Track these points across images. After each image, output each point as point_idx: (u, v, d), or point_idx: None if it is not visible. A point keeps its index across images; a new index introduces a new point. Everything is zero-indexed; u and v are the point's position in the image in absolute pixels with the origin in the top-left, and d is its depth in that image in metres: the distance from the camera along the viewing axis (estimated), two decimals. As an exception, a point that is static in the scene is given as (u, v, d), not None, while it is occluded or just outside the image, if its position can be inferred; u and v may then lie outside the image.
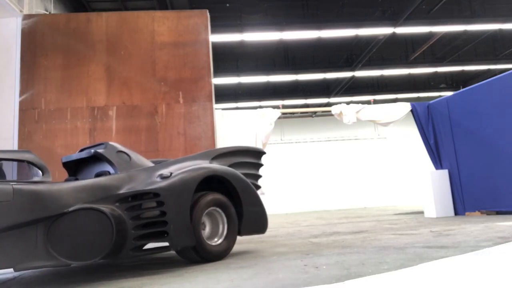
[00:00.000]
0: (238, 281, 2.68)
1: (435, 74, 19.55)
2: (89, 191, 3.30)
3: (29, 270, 2.98)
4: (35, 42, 7.81)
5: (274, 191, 20.27)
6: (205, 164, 4.04)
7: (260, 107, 11.66)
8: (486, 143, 7.92)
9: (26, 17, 7.87)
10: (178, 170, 3.73)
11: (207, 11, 8.50)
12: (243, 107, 19.00)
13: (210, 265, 3.54)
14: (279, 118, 9.38)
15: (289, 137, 23.14)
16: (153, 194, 3.40)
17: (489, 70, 18.66)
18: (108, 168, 3.90)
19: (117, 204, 3.34)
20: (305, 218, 12.23)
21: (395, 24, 12.39)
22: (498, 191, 7.66)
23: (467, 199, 8.39)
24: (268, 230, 8.03)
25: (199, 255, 3.58)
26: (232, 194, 4.06)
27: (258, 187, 4.75)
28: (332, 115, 9.85)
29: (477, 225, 5.68)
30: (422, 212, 10.39)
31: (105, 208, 3.20)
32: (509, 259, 2.72)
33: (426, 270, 2.58)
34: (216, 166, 3.97)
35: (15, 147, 7.21)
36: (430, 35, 14.30)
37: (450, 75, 20.35)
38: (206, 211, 3.72)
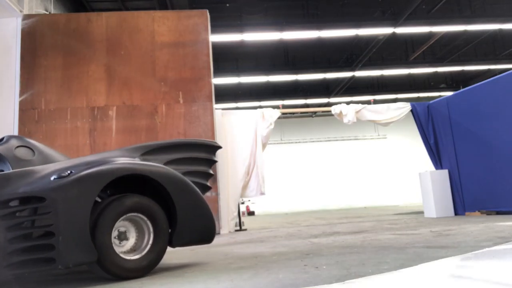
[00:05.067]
0: (238, 281, 2.68)
1: (435, 74, 19.55)
2: None
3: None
4: (35, 42, 7.81)
5: (274, 191, 20.28)
6: (125, 160, 3.32)
7: (260, 107, 11.65)
8: (486, 143, 7.92)
9: (26, 17, 7.87)
10: (83, 167, 3.03)
11: (207, 11, 8.50)
12: (243, 107, 19.00)
13: (210, 265, 3.54)
14: (279, 118, 9.38)
15: (289, 137, 23.14)
16: (37, 198, 2.78)
17: (489, 70, 18.66)
18: (4, 166, 3.37)
19: None
20: (305, 218, 12.24)
21: (395, 24, 12.39)
22: (498, 191, 7.66)
23: (467, 199, 8.39)
24: (268, 230, 8.02)
25: (107, 271, 2.94)
26: (165, 197, 3.41)
27: (208, 187, 4.08)
28: (332, 115, 9.85)
29: (477, 225, 5.68)
30: (422, 212, 10.39)
31: None
32: (509, 259, 2.72)
33: (426, 270, 2.58)
34: (138, 162, 3.29)
35: (15, 147, 7.19)
36: (430, 35, 14.30)
37: (450, 75, 20.35)
38: (124, 217, 3.09)
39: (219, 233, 7.74)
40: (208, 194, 7.76)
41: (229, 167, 8.56)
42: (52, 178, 2.87)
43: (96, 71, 7.88)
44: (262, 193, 8.73)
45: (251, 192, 8.70)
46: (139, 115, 7.82)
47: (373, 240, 4.65)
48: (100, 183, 2.94)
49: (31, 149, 3.52)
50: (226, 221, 8.22)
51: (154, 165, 3.35)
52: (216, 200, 7.80)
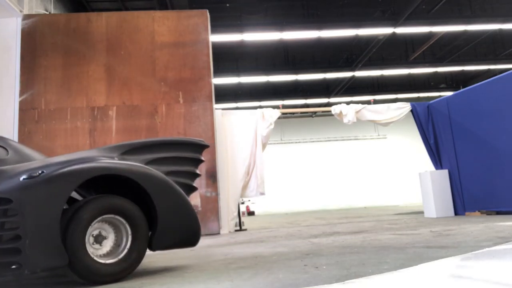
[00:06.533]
0: (238, 281, 2.68)
1: (435, 74, 19.55)
2: None
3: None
4: (35, 42, 7.81)
5: (274, 191, 20.28)
6: (102, 159, 3.17)
7: (260, 107, 11.65)
8: (486, 143, 7.92)
9: (26, 17, 7.87)
10: (55, 167, 2.87)
11: (207, 11, 8.50)
12: (243, 107, 19.00)
13: (210, 265, 3.54)
14: (279, 118, 9.38)
15: (289, 137, 23.14)
16: (5, 200, 2.65)
17: (489, 70, 18.66)
18: None
19: None
20: (305, 218, 12.24)
21: (395, 24, 12.39)
22: (498, 191, 7.66)
23: (467, 199, 8.39)
24: (268, 230, 8.02)
25: (80, 276, 2.82)
26: (146, 198, 3.27)
27: (194, 188, 3.87)
28: (332, 115, 9.85)
29: (477, 225, 5.68)
30: (422, 212, 10.39)
31: None
32: (509, 259, 2.72)
33: (426, 270, 2.58)
34: (114, 162, 3.14)
35: (15, 147, 7.19)
36: (430, 35, 14.30)
37: (450, 75, 20.35)
38: (100, 219, 2.97)
39: (219, 233, 7.74)
40: (208, 194, 7.76)
41: (229, 167, 8.56)
42: (21, 178, 2.76)
43: (96, 71, 7.88)
44: (262, 193, 8.73)
45: (251, 192, 8.71)
46: (139, 115, 7.82)
47: (373, 240, 4.65)
48: (72, 183, 2.81)
49: (4, 148, 3.39)
50: (226, 221, 8.23)
51: (132, 164, 3.21)
52: (216, 200, 7.80)
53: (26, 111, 7.57)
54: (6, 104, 7.54)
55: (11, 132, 7.41)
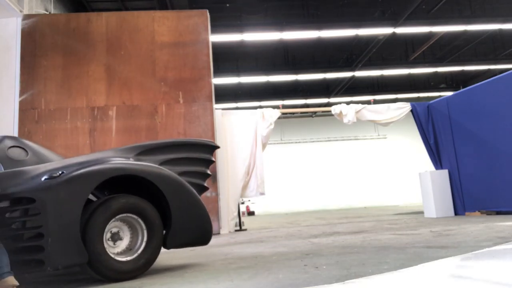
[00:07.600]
0: (238, 281, 2.68)
1: (435, 74, 19.55)
2: None
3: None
4: (35, 42, 7.81)
5: (274, 191, 20.28)
6: (118, 160, 3.26)
7: (260, 107, 11.65)
8: (486, 143, 7.92)
9: (26, 17, 7.87)
10: (74, 168, 2.97)
11: (207, 11, 8.50)
12: (243, 107, 18.99)
13: (210, 265, 3.54)
14: (279, 118, 9.38)
15: (289, 137, 23.13)
16: (27, 199, 2.75)
17: (489, 70, 18.66)
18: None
19: None
20: (305, 218, 12.23)
21: (395, 24, 12.39)
22: (498, 191, 7.65)
23: (467, 199, 8.39)
24: (268, 230, 8.02)
25: (99, 273, 2.91)
26: (160, 197, 3.37)
27: (205, 188, 3.96)
28: (332, 115, 9.84)
29: (477, 225, 5.68)
30: (422, 212, 10.39)
31: None
32: (509, 259, 2.72)
33: (426, 270, 2.58)
34: (130, 163, 3.24)
35: (15, 147, 7.19)
36: (430, 35, 14.30)
37: (450, 75, 20.35)
38: (117, 218, 3.05)
39: (219, 233, 7.74)
40: (208, 194, 7.75)
41: (229, 167, 8.56)
42: (43, 179, 2.84)
43: (96, 71, 7.88)
44: (262, 193, 8.73)
45: (251, 192, 8.71)
46: (139, 115, 7.82)
47: (373, 240, 4.65)
48: (91, 183, 2.92)
49: (24, 149, 3.50)
50: (226, 221, 8.22)
51: (147, 165, 3.31)
52: (216, 200, 7.80)
53: (26, 111, 7.57)
54: (6, 104, 7.54)
55: (11, 132, 7.41)
